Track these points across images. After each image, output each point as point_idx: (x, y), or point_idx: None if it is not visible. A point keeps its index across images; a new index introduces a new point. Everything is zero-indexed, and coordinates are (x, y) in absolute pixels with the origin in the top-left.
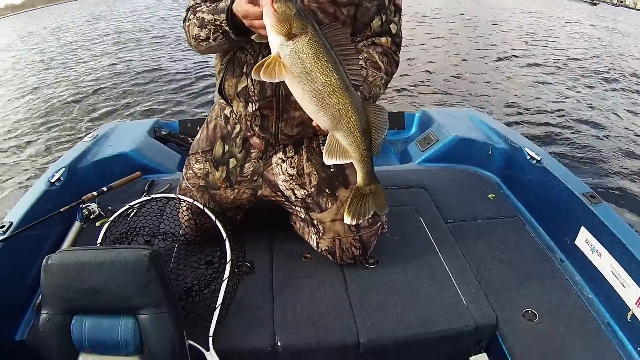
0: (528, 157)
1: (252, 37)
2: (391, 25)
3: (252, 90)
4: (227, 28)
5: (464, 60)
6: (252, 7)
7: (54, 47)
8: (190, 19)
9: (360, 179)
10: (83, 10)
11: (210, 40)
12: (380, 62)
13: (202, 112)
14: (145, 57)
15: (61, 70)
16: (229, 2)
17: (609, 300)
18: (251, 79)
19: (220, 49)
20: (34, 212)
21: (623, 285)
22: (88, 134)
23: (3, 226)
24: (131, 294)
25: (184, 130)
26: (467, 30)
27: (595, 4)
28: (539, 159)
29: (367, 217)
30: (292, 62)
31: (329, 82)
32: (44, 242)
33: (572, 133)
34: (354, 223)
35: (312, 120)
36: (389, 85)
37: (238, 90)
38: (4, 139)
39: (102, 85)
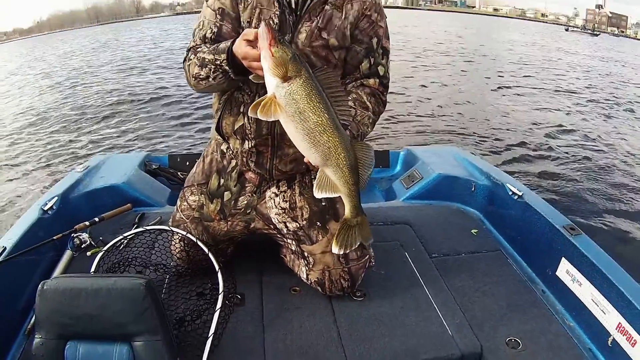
0: (510, 193)
1: (250, 77)
2: (379, 68)
3: (249, 128)
4: (227, 67)
5: (449, 98)
6: (251, 50)
7: (60, 72)
8: (191, 59)
9: (347, 211)
10: (91, 37)
11: (210, 79)
12: (368, 102)
13: (191, 148)
14: (144, 87)
15: (64, 96)
16: (229, 43)
17: (590, 327)
18: (248, 117)
19: (219, 87)
20: (26, 239)
21: (603, 312)
22: (80, 164)
23: None
24: (127, 321)
25: (173, 165)
26: (462, 65)
27: (597, 35)
28: (520, 194)
29: (354, 247)
30: (286, 103)
31: (320, 122)
32: (36, 269)
33: (554, 166)
34: (341, 252)
35: (305, 157)
36: (375, 125)
37: (235, 128)
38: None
39: (100, 114)
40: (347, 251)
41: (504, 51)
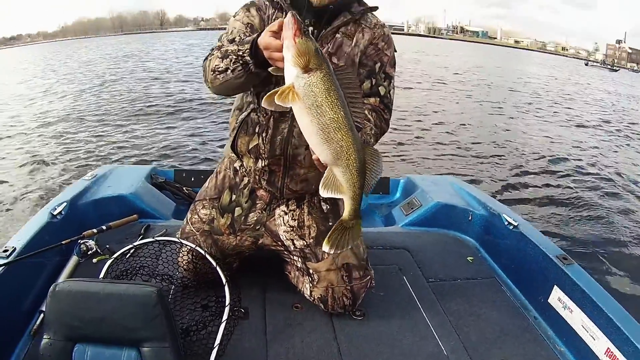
0: (506, 223)
1: (270, 70)
2: (379, 88)
3: (263, 148)
4: (248, 58)
5: (456, 127)
6: (274, 40)
7: (82, 79)
8: (213, 54)
9: (346, 213)
10: (114, 46)
11: (229, 72)
12: (369, 115)
13: (197, 164)
14: (161, 100)
15: (82, 103)
16: (255, 36)
17: (580, 352)
18: (262, 138)
19: (235, 84)
20: (35, 242)
21: (593, 338)
22: (88, 172)
23: (6, 250)
24: (136, 326)
25: (179, 179)
26: (476, 95)
27: (616, 70)
28: (516, 224)
29: (344, 249)
30: (305, 94)
31: (336, 119)
32: (42, 271)
33: (548, 198)
34: (332, 252)
35: (315, 177)
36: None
37: (250, 147)
38: (14, 167)
39: (113, 122)
40: (338, 251)
41: (520, 84)
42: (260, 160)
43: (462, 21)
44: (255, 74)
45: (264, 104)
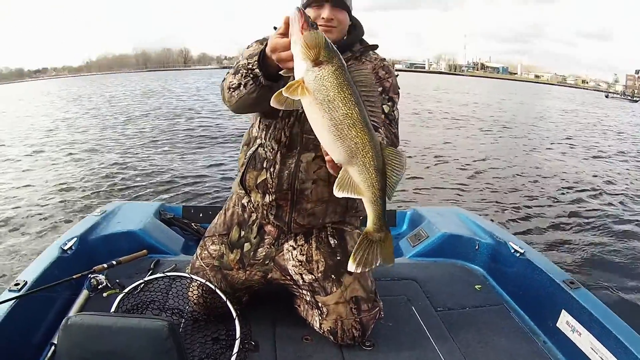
0: (512, 251)
1: (281, 72)
2: (384, 107)
3: (271, 183)
4: (257, 70)
5: (468, 161)
6: (281, 39)
7: (105, 114)
8: (229, 72)
9: (370, 222)
10: (138, 82)
11: (242, 88)
12: (379, 128)
13: (205, 201)
14: (177, 137)
15: (103, 139)
16: (263, 46)
17: None
18: (270, 173)
19: (250, 99)
20: (46, 276)
21: (602, 359)
22: (97, 208)
23: (18, 284)
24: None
25: (187, 215)
26: (493, 130)
27: (636, 101)
28: (522, 251)
29: (373, 267)
30: (315, 88)
31: (349, 114)
32: (53, 305)
33: (556, 224)
34: (358, 271)
35: (322, 211)
36: None
37: (257, 182)
38: (28, 199)
39: (127, 159)
40: (366, 270)
41: (538, 118)
42: (267, 195)
43: (483, 57)
44: (267, 87)
45: (272, 102)
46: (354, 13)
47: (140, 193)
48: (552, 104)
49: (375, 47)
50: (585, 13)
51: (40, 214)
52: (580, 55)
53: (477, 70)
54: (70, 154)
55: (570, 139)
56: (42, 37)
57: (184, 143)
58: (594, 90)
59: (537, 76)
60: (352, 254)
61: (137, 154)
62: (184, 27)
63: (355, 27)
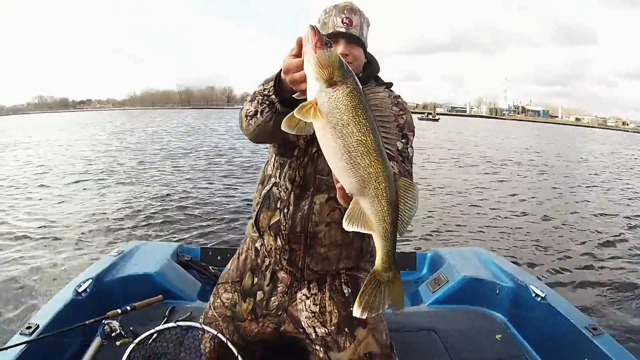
0: (533, 295)
1: (294, 96)
2: (397, 143)
3: (284, 224)
4: (273, 97)
5: (496, 202)
6: (293, 59)
7: (145, 150)
8: (247, 99)
9: (379, 260)
10: (182, 120)
11: (258, 115)
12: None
13: (224, 243)
14: (216, 175)
15: (139, 174)
16: (279, 70)
17: None
18: (284, 214)
19: (267, 127)
20: (59, 319)
21: None
22: (114, 249)
23: (29, 327)
24: None
25: (205, 258)
26: (530, 175)
27: None
28: (543, 295)
29: (379, 312)
30: (329, 111)
31: (363, 141)
32: (65, 352)
33: (575, 267)
34: (364, 316)
35: (335, 256)
36: None
37: (270, 223)
38: (47, 233)
39: (160, 197)
40: (372, 315)
41: (576, 161)
42: (280, 238)
43: (523, 100)
44: (283, 114)
45: (283, 126)
46: (395, 57)
47: (168, 231)
48: (592, 147)
49: (390, 84)
50: (625, 53)
51: (59, 250)
52: (621, 96)
53: (518, 113)
54: (104, 187)
55: (605, 182)
56: (89, 68)
57: (223, 182)
58: (635, 132)
59: (577, 119)
60: (358, 296)
61: (172, 191)
62: (227, 66)
63: (371, 64)
